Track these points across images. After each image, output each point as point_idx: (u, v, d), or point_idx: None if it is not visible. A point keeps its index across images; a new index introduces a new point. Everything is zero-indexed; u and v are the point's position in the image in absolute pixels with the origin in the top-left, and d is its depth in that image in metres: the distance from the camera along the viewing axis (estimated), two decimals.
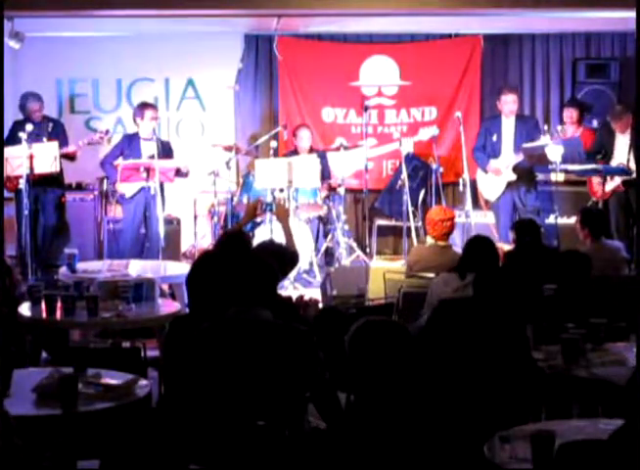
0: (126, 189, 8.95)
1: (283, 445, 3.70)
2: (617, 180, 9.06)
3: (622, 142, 9.10)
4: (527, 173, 9.36)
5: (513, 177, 9.29)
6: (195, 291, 4.89)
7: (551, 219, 9.16)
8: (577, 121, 9.93)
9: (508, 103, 9.40)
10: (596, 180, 9.21)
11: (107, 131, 9.39)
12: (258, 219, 8.89)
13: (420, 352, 3.73)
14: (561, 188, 9.40)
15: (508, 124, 9.43)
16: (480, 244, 5.82)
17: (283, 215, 6.44)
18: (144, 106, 9.22)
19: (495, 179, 9.40)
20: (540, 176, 9.56)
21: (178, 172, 8.90)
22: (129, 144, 9.13)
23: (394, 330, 3.41)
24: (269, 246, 5.58)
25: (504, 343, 4.41)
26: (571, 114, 9.94)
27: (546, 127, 9.42)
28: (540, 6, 8.75)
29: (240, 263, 4.16)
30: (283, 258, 5.45)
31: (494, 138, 9.43)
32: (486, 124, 9.72)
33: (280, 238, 6.92)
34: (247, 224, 6.88)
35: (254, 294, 4.03)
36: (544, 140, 9.01)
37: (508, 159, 9.27)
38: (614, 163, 9.12)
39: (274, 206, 8.72)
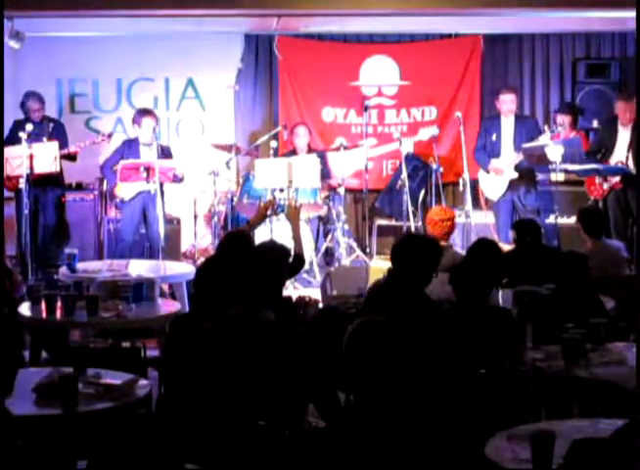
0: (125, 193, 8.93)
1: (283, 444, 3.70)
2: (616, 177, 9.05)
3: (623, 139, 9.07)
4: (528, 173, 9.39)
5: (515, 175, 9.31)
6: (200, 292, 4.90)
7: (551, 219, 9.15)
8: (571, 126, 9.93)
9: (506, 102, 9.45)
10: (596, 179, 9.20)
11: (109, 135, 9.39)
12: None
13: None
14: (561, 188, 9.39)
15: (507, 124, 9.47)
16: (484, 248, 5.83)
17: (294, 216, 6.41)
18: (142, 113, 9.12)
19: (497, 179, 9.42)
20: (540, 176, 9.56)
21: (174, 176, 8.88)
22: (129, 149, 9.09)
23: (392, 329, 3.41)
24: (273, 246, 5.56)
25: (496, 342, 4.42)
26: (562, 120, 9.95)
27: (546, 127, 9.41)
28: (540, 6, 8.75)
29: (247, 263, 4.13)
30: (286, 259, 5.45)
31: (494, 138, 9.47)
32: (486, 124, 9.76)
33: (282, 238, 6.91)
34: (257, 224, 6.80)
35: (260, 294, 4.01)
36: (544, 140, 9.00)
37: (509, 157, 9.29)
38: (612, 160, 9.11)
39: (286, 207, 8.68)
